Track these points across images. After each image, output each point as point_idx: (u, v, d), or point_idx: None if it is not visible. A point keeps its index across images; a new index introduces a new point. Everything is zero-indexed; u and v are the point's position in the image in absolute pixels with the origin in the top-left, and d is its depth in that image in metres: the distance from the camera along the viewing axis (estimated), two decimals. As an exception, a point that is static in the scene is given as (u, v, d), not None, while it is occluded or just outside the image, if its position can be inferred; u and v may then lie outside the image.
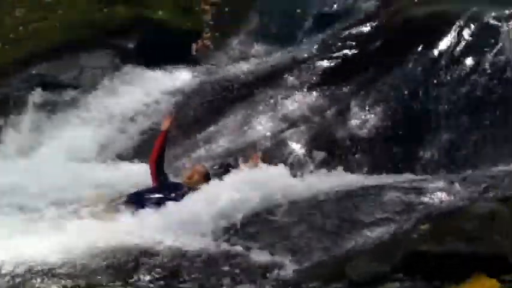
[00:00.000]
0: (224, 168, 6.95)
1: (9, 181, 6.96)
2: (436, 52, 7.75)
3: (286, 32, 9.92)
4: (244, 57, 9.67)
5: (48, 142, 8.15)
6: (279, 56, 9.17)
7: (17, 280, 4.65)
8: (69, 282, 4.62)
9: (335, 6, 9.99)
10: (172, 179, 6.65)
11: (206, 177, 6.63)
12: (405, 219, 5.12)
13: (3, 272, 4.73)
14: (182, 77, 9.05)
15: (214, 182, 6.44)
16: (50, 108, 8.61)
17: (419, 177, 6.26)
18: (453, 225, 4.55)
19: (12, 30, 9.60)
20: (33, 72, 9.01)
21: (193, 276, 4.73)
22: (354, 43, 8.47)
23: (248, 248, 5.13)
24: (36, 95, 8.70)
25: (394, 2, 9.02)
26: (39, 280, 4.65)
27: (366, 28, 8.74)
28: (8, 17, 9.88)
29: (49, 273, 4.72)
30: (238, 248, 5.14)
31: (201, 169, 6.71)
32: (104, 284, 4.61)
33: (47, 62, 9.14)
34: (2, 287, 4.58)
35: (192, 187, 6.38)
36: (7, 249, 4.99)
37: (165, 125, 6.73)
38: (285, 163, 7.02)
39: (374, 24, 8.76)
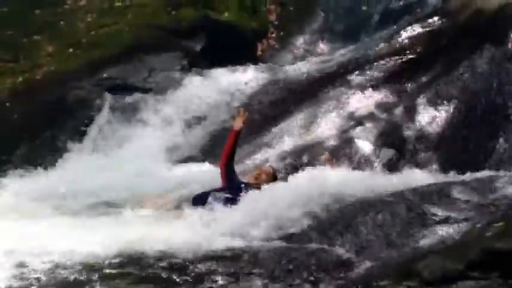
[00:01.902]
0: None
1: (88, 179, 7.21)
2: (508, 46, 7.52)
3: (351, 29, 9.88)
4: (310, 56, 9.69)
5: (120, 143, 8.34)
6: (344, 54, 9.13)
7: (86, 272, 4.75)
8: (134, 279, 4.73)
9: (401, 1, 9.86)
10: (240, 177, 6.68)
11: (273, 178, 6.65)
12: (477, 218, 5.00)
13: (74, 262, 4.87)
14: (248, 76, 9.11)
15: (281, 182, 6.49)
16: (120, 110, 8.83)
17: (491, 174, 6.09)
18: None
19: (84, 35, 9.90)
20: (104, 75, 9.26)
21: (263, 275, 4.74)
22: (421, 39, 8.33)
23: (317, 247, 5.13)
24: (108, 98, 8.94)
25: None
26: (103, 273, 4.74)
27: (434, 23, 8.57)
28: (80, 22, 10.19)
29: (112, 266, 4.80)
30: (307, 246, 5.15)
31: (268, 169, 6.72)
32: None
33: (117, 66, 9.36)
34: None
35: (259, 187, 6.42)
36: (81, 242, 5.14)
37: (236, 124, 6.58)
38: (352, 161, 7.01)
39: (442, 18, 8.59)
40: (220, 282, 4.64)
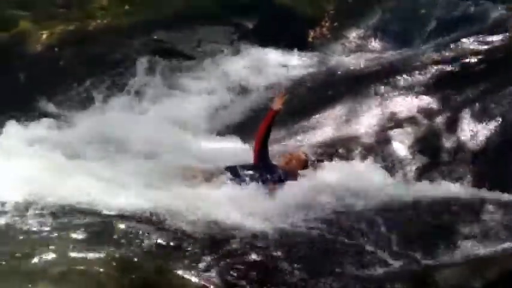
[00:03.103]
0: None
1: (114, 136, 7.21)
2: None
3: (407, 31, 9.72)
4: (360, 51, 9.59)
5: (158, 107, 8.38)
6: (395, 55, 9.01)
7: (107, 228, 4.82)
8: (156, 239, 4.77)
9: (461, 10, 9.69)
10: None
11: (304, 165, 6.63)
12: (504, 238, 4.95)
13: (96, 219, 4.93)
14: (295, 61, 9.09)
15: (311, 172, 6.47)
16: (164, 74, 8.86)
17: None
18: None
19: (139, -5, 9.96)
20: (155, 37, 9.33)
21: (286, 259, 4.75)
22: (476, 51, 8.18)
23: (340, 242, 5.12)
24: (154, 60, 8.99)
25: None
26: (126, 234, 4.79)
27: (491, 37, 8.40)
28: (137, -19, 10.24)
29: (137, 228, 4.83)
30: (330, 240, 5.14)
31: (301, 156, 6.69)
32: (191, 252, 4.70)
33: (168, 30, 9.44)
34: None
35: (288, 172, 6.42)
36: (103, 200, 5.20)
37: (276, 104, 6.50)
38: (385, 162, 6.95)
39: (500, 34, 8.43)
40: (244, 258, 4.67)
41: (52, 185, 5.31)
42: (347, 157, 7.00)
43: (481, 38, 8.53)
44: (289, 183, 6.10)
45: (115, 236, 4.67)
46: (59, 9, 9.91)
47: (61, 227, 4.71)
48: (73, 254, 4.33)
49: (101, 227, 4.76)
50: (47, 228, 4.67)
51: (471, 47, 8.39)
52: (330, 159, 6.92)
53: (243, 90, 8.57)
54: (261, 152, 6.45)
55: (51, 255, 4.29)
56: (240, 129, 7.81)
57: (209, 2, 9.81)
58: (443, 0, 10.15)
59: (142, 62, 8.98)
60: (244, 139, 7.31)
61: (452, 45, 8.51)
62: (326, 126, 7.75)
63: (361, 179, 6.07)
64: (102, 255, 4.34)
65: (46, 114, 8.19)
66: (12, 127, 7.13)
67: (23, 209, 4.90)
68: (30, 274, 4.11)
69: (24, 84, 8.88)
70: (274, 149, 6.95)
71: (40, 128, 7.36)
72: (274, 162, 6.57)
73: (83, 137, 7.19)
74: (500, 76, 7.65)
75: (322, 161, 6.91)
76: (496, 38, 8.42)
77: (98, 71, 9.00)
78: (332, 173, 6.25)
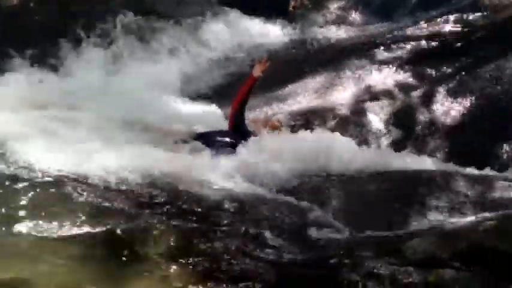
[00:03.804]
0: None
1: (88, 97, 7.08)
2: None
3: (387, 5, 9.71)
4: (340, 23, 9.56)
5: (134, 67, 8.26)
6: (375, 28, 9.02)
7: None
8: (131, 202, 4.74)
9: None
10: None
11: (277, 131, 6.60)
12: (472, 212, 5.01)
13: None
14: (275, 30, 9.04)
15: (283, 136, 6.46)
16: (143, 34, 8.75)
17: (494, 174, 6.08)
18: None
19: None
20: (134, -5, 9.20)
21: (249, 223, 4.74)
22: (456, 28, 8.23)
23: (306, 207, 5.13)
24: (133, 19, 8.86)
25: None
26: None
27: (470, 15, 8.46)
28: None
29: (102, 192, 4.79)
30: (297, 204, 5.15)
31: (276, 123, 6.67)
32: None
33: (148, -12, 9.30)
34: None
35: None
36: (71, 164, 5.12)
37: (257, 70, 6.39)
38: (360, 133, 6.99)
39: (479, 13, 8.48)
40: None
41: (16, 149, 5.22)
42: (323, 126, 7.01)
43: (460, 16, 8.58)
44: (261, 146, 6.06)
45: (81, 200, 4.63)
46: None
47: (32, 192, 4.64)
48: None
49: (66, 191, 4.69)
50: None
51: (450, 23, 8.44)
52: (305, 128, 6.92)
53: (222, 55, 8.53)
54: (237, 117, 6.40)
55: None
56: (217, 94, 7.78)
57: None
58: (425, -24, 10.15)
59: (120, 21, 8.84)
60: (221, 105, 7.27)
61: (431, 21, 8.54)
62: (302, 96, 7.76)
63: (334, 147, 6.05)
64: (70, 218, 4.29)
65: (18, 71, 8.02)
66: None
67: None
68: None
69: (-2, 38, 8.69)
70: (250, 117, 6.92)
71: (10, 85, 7.21)
72: (250, 129, 6.54)
73: (54, 97, 7.05)
74: (477, 54, 7.72)
75: (296, 129, 6.90)
76: (474, 16, 8.47)
77: (74, 29, 8.79)
78: (305, 141, 6.22)
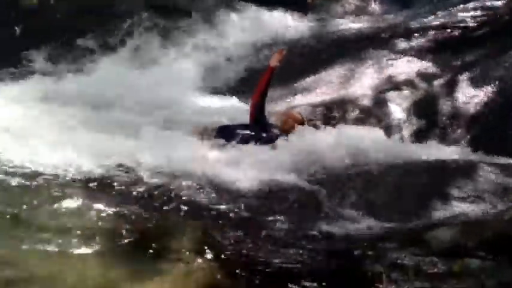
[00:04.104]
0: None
1: (110, 92, 7.18)
2: None
3: (407, -6, 9.67)
4: (359, 14, 9.52)
5: (154, 63, 8.32)
6: (395, 18, 8.95)
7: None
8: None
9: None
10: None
11: (299, 124, 6.60)
12: (497, 201, 4.97)
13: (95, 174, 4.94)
14: (293, 21, 9.02)
15: (308, 131, 6.46)
16: (162, 30, 8.79)
17: (519, 162, 6.03)
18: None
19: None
20: (149, -7, 9.25)
21: (279, 214, 4.77)
22: (476, 16, 8.13)
23: (330, 200, 5.13)
24: (152, 15, 8.90)
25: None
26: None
27: (490, 2, 8.36)
28: None
29: (125, 184, 4.85)
30: (323, 198, 5.16)
31: (297, 116, 6.64)
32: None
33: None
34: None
35: (284, 131, 6.41)
36: (96, 157, 5.17)
37: (273, 60, 6.40)
38: (382, 124, 6.95)
39: (501, 1, 8.39)
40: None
41: (46, 142, 5.28)
42: (344, 119, 7.00)
43: (480, 3, 8.48)
44: (284, 141, 6.08)
45: (110, 193, 4.68)
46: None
47: (57, 184, 4.69)
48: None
49: (95, 183, 4.75)
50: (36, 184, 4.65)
51: (471, 12, 8.34)
52: (327, 120, 6.90)
53: (241, 49, 8.52)
54: (257, 109, 6.41)
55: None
56: (237, 88, 7.79)
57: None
58: (444, -36, 10.05)
59: (140, 18, 8.92)
60: (241, 98, 7.28)
61: (451, 10, 8.45)
62: (323, 87, 7.73)
63: (357, 140, 6.04)
64: (94, 212, 4.33)
65: (40, 69, 8.12)
66: (5, 81, 7.08)
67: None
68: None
69: (19, 36, 8.79)
70: (271, 108, 6.93)
71: (33, 83, 7.30)
72: (271, 122, 6.54)
73: (78, 93, 7.13)
74: (499, 42, 7.63)
75: (318, 121, 6.89)
76: (495, 4, 8.37)
77: (94, 26, 8.91)
78: (328, 133, 6.22)
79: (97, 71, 7.96)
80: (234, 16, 8.97)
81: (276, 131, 6.37)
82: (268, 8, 9.15)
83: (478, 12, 8.30)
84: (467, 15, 8.28)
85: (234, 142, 6.08)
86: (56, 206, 4.31)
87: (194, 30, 8.77)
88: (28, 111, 6.19)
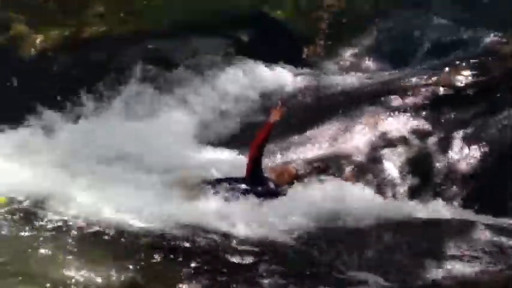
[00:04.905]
0: None
1: (106, 145, 7.16)
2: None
3: (400, 52, 9.83)
4: (354, 70, 9.65)
5: (152, 116, 8.36)
6: (389, 75, 9.07)
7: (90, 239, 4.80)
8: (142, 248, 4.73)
9: (455, 34, 9.82)
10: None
11: (294, 179, 6.62)
12: (493, 261, 4.95)
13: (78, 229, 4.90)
14: (289, 77, 9.11)
15: (303, 186, 6.46)
16: (158, 82, 8.87)
17: (515, 222, 6.03)
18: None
19: (139, 3, 9.96)
20: (150, 46, 9.34)
21: (264, 272, 4.72)
22: (470, 75, 8.25)
23: (325, 258, 5.10)
24: (149, 69, 9.00)
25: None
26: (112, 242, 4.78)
27: (483, 62, 8.50)
28: (136, -10, 10.26)
29: (122, 237, 4.82)
30: (316, 256, 5.12)
31: (292, 170, 6.68)
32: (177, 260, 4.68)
33: (164, 40, 9.47)
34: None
35: (279, 185, 6.41)
36: (90, 209, 5.16)
37: (273, 117, 6.40)
38: (376, 181, 6.96)
39: (493, 61, 8.53)
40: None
41: (39, 194, 5.26)
42: (338, 174, 7.01)
43: (473, 62, 8.62)
44: (279, 197, 6.08)
45: (105, 244, 4.64)
46: (55, 14, 9.89)
47: (50, 236, 4.66)
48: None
49: (87, 237, 4.73)
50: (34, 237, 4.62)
51: (463, 70, 8.47)
52: (321, 175, 6.91)
53: (237, 102, 8.59)
54: (255, 162, 6.38)
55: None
56: (233, 141, 7.82)
57: (206, 14, 9.83)
58: (437, 23, 10.29)
59: (137, 71, 8.97)
60: (237, 151, 7.31)
61: (445, 68, 8.58)
62: (318, 143, 7.77)
63: (351, 197, 6.05)
64: (90, 264, 4.29)
65: (38, 121, 8.13)
66: (2, 132, 7.09)
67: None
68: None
69: (17, 88, 8.85)
70: (266, 162, 6.94)
71: (31, 135, 7.31)
72: (266, 175, 6.54)
73: (74, 145, 7.14)
74: (491, 100, 7.72)
75: (313, 177, 6.90)
76: (488, 63, 8.51)
77: (91, 78, 8.96)
78: (322, 189, 6.22)
79: (92, 122, 7.99)
80: (230, 70, 9.05)
81: (271, 185, 6.37)
82: (264, 63, 9.26)
83: (471, 71, 8.42)
84: (459, 74, 8.40)
85: (229, 196, 6.06)
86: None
87: (189, 84, 8.83)
88: (21, 163, 6.17)
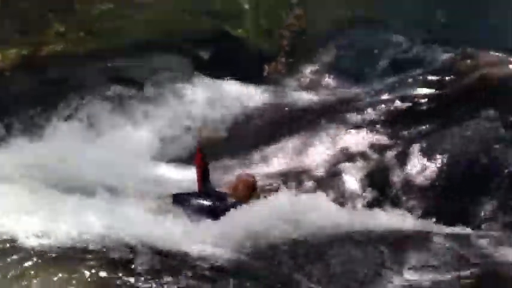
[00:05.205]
0: None
1: (64, 164, 7.08)
2: (507, 115, 7.60)
3: (360, 69, 9.96)
4: (314, 87, 9.75)
5: (111, 134, 8.32)
6: (348, 92, 9.20)
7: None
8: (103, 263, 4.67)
9: (413, 52, 10.01)
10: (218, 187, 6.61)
11: (252, 188, 6.45)
12: (451, 270, 5.01)
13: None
14: (250, 94, 9.17)
15: (262, 200, 6.44)
16: (116, 101, 8.83)
17: (473, 231, 6.12)
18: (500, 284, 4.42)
19: (97, 23, 9.92)
20: (109, 65, 9.30)
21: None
22: (427, 90, 8.43)
23: (286, 271, 5.08)
24: (108, 87, 8.96)
25: (471, 59, 8.96)
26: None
27: (440, 78, 8.69)
28: (96, 9, 10.21)
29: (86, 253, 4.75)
30: (277, 269, 5.10)
31: (247, 179, 6.47)
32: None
33: (124, 58, 9.41)
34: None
35: (237, 200, 6.33)
36: (45, 230, 5.04)
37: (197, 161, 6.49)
38: (336, 194, 7.01)
39: (448, 75, 8.72)
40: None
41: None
42: (298, 188, 7.03)
43: (430, 79, 8.81)
44: (239, 210, 6.04)
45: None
46: (14, 33, 9.78)
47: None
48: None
49: (40, 259, 4.62)
50: None
51: (421, 86, 8.64)
52: (281, 189, 6.92)
53: (197, 119, 8.60)
54: (203, 180, 6.41)
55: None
56: (189, 158, 7.79)
57: (166, 33, 9.84)
58: (396, 41, 10.47)
59: (96, 90, 8.95)
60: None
61: (402, 84, 8.75)
62: (278, 158, 7.82)
63: (310, 209, 6.04)
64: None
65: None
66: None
67: None
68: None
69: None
70: (226, 177, 6.94)
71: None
72: (221, 190, 6.49)
73: (31, 166, 7.00)
74: (448, 115, 7.85)
75: (272, 191, 6.90)
76: (444, 79, 8.70)
77: (50, 98, 8.88)
78: (282, 202, 6.19)
79: (51, 141, 7.89)
80: (192, 87, 9.08)
81: (229, 200, 6.29)
82: (224, 80, 9.30)
83: (427, 87, 8.60)
84: (416, 90, 8.57)
85: (188, 211, 6.00)
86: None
87: (149, 101, 8.83)
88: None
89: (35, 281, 4.33)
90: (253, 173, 7.17)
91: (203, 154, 6.45)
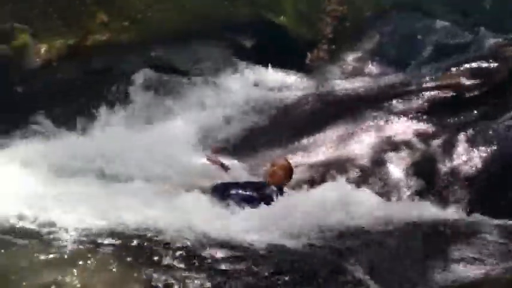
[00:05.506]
0: None
1: (110, 154, 7.21)
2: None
3: (403, 56, 9.83)
4: (357, 75, 9.66)
5: (155, 124, 8.38)
6: (392, 79, 9.06)
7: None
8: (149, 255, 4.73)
9: (458, 37, 9.82)
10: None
11: (290, 172, 6.56)
12: (497, 263, 4.94)
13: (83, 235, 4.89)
14: (293, 83, 9.13)
15: (306, 189, 6.46)
16: (161, 90, 8.89)
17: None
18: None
19: (140, 12, 9.98)
20: (153, 54, 9.35)
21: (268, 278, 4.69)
22: (472, 78, 8.25)
23: (328, 261, 5.08)
24: (152, 76, 9.02)
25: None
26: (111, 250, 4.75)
27: (487, 64, 8.49)
28: (138, 0, 10.29)
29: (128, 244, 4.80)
30: (319, 259, 5.09)
31: (282, 162, 6.58)
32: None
33: (167, 47, 9.45)
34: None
35: (276, 184, 6.37)
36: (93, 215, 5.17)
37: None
38: (380, 184, 6.95)
39: (496, 61, 8.52)
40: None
41: (43, 205, 5.26)
42: (341, 178, 6.98)
43: (477, 65, 8.61)
44: (283, 200, 6.05)
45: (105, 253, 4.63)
46: (58, 23, 9.92)
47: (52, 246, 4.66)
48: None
49: (85, 247, 4.68)
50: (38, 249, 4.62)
51: (467, 73, 8.46)
52: (324, 179, 6.91)
53: (240, 108, 8.60)
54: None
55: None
56: (235, 147, 7.82)
57: (209, 21, 9.84)
58: (440, 26, 10.29)
59: (140, 79, 8.99)
60: (239, 157, 7.32)
61: (448, 71, 8.58)
62: (322, 147, 7.77)
63: (354, 200, 6.03)
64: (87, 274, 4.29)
65: (42, 131, 8.15)
66: (7, 144, 7.12)
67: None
68: None
69: (21, 98, 8.86)
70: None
71: (35, 145, 7.33)
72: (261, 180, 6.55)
73: (77, 155, 7.16)
74: (495, 103, 7.71)
75: (316, 181, 6.90)
76: (491, 66, 8.50)
77: (95, 87, 8.99)
78: (326, 192, 6.20)
79: (96, 130, 8.01)
80: (233, 76, 9.08)
81: (271, 188, 6.33)
82: (267, 69, 9.27)
83: (474, 74, 8.41)
84: (463, 76, 8.39)
85: (229, 201, 6.04)
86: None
87: (193, 91, 8.86)
88: (27, 174, 6.19)
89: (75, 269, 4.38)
90: (297, 162, 7.21)
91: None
